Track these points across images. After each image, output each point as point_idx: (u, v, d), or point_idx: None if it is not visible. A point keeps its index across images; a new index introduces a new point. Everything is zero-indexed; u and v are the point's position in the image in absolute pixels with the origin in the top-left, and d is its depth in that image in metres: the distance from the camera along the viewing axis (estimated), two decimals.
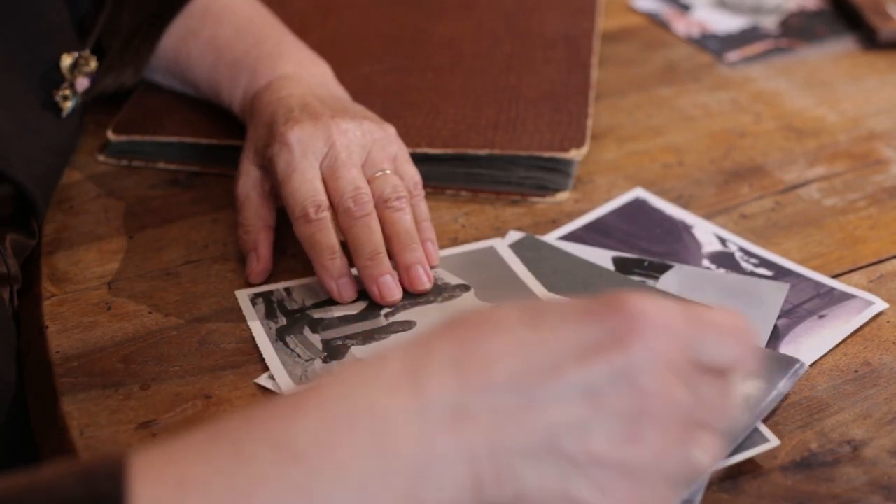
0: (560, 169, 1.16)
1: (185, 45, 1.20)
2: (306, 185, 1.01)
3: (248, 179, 1.07)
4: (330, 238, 1.00)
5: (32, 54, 1.07)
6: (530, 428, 0.67)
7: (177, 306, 1.02)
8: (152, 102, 1.24)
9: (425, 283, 1.01)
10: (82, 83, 1.11)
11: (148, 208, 1.14)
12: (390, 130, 1.08)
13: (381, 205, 1.02)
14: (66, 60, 1.09)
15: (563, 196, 1.16)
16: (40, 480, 0.64)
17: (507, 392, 0.67)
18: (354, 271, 1.01)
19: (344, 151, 1.02)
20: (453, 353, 0.68)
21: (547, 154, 1.15)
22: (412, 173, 1.07)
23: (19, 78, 1.06)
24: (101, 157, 1.21)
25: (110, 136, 1.20)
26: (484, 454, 0.66)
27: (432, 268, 1.03)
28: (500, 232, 1.10)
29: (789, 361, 0.92)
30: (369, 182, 1.03)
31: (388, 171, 1.04)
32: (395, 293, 1.00)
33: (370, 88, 1.25)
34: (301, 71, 1.14)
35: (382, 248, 1.00)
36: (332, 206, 1.01)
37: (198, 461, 0.65)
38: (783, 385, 0.90)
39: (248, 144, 1.09)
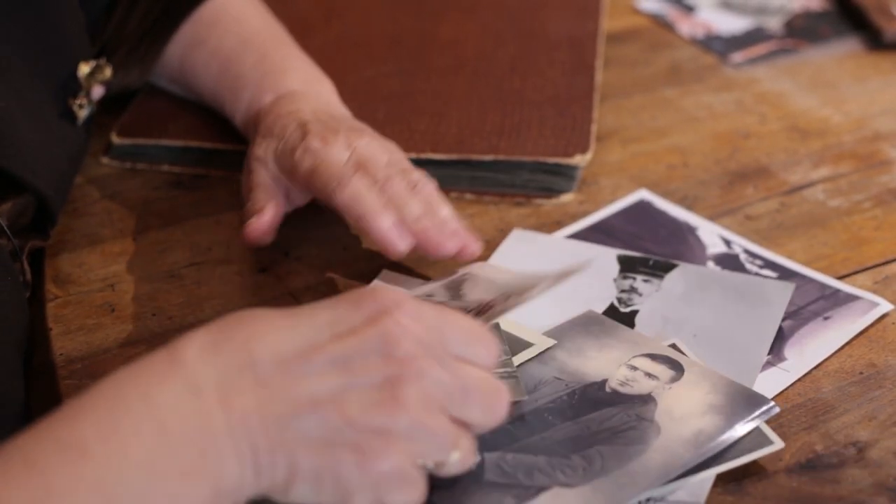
0: (564, 172, 1.16)
1: (190, 53, 1.20)
2: (336, 165, 1.01)
3: (260, 165, 1.07)
4: (374, 194, 0.99)
5: (51, 63, 1.07)
6: (294, 397, 0.72)
7: (180, 308, 1.02)
8: (156, 106, 1.24)
9: (476, 242, 1.00)
10: (98, 91, 1.11)
11: (151, 210, 1.14)
12: (396, 146, 1.07)
13: (412, 188, 1.01)
14: (84, 69, 1.10)
15: (567, 198, 1.16)
16: None
17: (269, 367, 0.72)
18: None
19: (366, 151, 1.02)
20: (213, 337, 0.73)
21: (552, 160, 1.15)
22: (424, 175, 1.06)
23: (39, 87, 1.06)
24: (105, 160, 1.21)
25: (114, 139, 1.20)
26: (256, 426, 0.71)
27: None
28: (505, 234, 1.10)
29: (757, 400, 0.89)
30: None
31: (407, 167, 1.04)
32: (452, 243, 0.99)
33: (374, 92, 1.25)
34: (306, 88, 1.14)
35: (424, 213, 1.00)
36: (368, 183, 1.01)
37: None
38: (741, 427, 0.87)
39: (255, 154, 1.08)
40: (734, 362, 0.95)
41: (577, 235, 1.10)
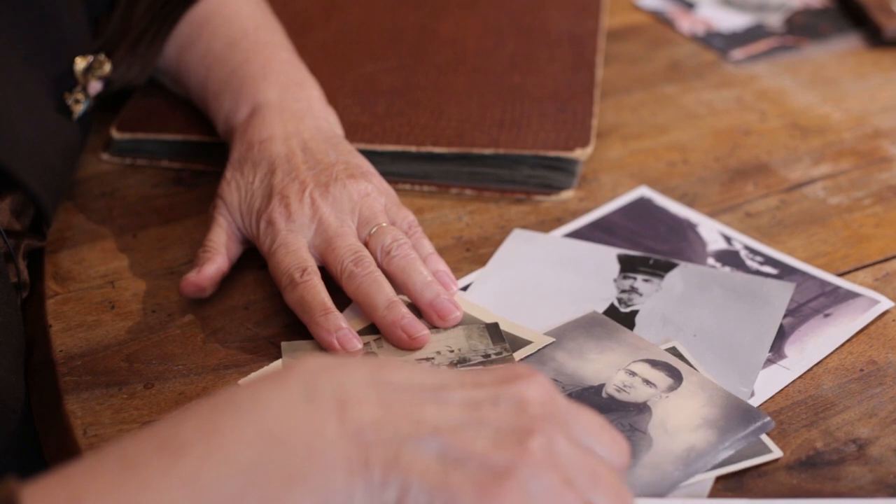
0: (565, 168, 1.16)
1: (184, 55, 1.19)
2: (290, 256, 0.99)
3: (226, 210, 1.05)
4: (319, 296, 0.97)
5: (48, 56, 1.07)
6: (417, 419, 0.69)
7: (180, 305, 1.02)
8: (156, 101, 1.24)
9: (454, 311, 0.99)
10: (95, 87, 1.11)
11: (151, 207, 1.14)
12: (375, 180, 1.06)
13: (385, 258, 1.00)
14: (80, 64, 1.09)
15: (567, 194, 1.16)
16: None
17: (395, 388, 0.70)
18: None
19: (334, 223, 1.01)
20: (341, 359, 0.71)
21: (552, 154, 1.15)
22: (405, 216, 1.05)
23: (35, 80, 1.06)
24: (105, 156, 1.21)
25: (114, 134, 1.20)
26: (372, 439, 0.68)
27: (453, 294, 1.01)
28: (505, 231, 1.10)
29: (754, 416, 0.89)
30: (366, 241, 1.01)
31: (383, 224, 1.02)
32: (422, 328, 0.96)
33: (374, 87, 1.25)
34: (284, 96, 1.11)
35: (396, 296, 0.98)
36: (335, 277, 0.99)
37: (88, 478, 0.65)
38: (736, 443, 0.87)
39: (222, 192, 1.06)
40: (735, 361, 0.95)
41: (578, 232, 1.10)
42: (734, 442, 0.86)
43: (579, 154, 1.15)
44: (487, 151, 1.15)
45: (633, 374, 0.92)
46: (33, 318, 1.02)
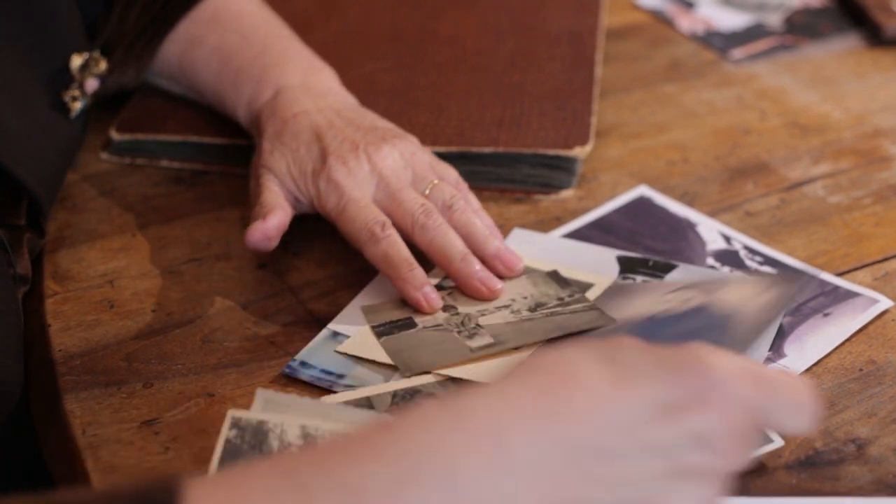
0: (564, 167, 1.16)
1: (190, 51, 1.19)
2: (365, 210, 1.01)
3: (273, 177, 1.06)
4: (404, 251, 1.00)
5: (44, 54, 1.07)
6: (612, 485, 0.67)
7: (180, 304, 1.02)
8: (155, 101, 1.24)
9: (519, 261, 1.02)
10: (91, 84, 1.11)
11: (151, 206, 1.14)
12: (414, 140, 1.08)
13: (447, 212, 1.02)
14: (76, 61, 1.09)
15: (567, 193, 1.16)
16: (91, 499, 0.64)
17: (589, 450, 0.67)
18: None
19: (393, 177, 1.03)
20: (535, 410, 0.67)
21: (551, 152, 1.15)
22: (452, 172, 1.08)
23: (31, 78, 1.06)
24: (104, 156, 1.21)
25: (113, 134, 1.20)
26: None
27: None
28: (504, 230, 1.10)
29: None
30: (426, 198, 1.03)
31: (436, 181, 1.05)
32: (497, 281, 1.00)
33: (374, 87, 1.25)
34: (308, 80, 1.13)
35: (467, 249, 1.01)
36: (405, 230, 1.01)
37: (262, 495, 0.63)
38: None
39: (265, 163, 1.07)
40: None
41: (577, 232, 1.10)
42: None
43: (578, 152, 1.15)
44: (487, 150, 1.15)
45: None
46: (32, 317, 1.02)
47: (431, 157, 1.08)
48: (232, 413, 0.85)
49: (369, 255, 1.00)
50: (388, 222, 1.01)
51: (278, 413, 0.85)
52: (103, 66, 1.11)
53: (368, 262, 1.02)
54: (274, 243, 1.03)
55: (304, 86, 1.12)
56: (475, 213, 1.03)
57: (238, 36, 1.18)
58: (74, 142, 1.13)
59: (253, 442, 0.83)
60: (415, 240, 1.01)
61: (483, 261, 1.01)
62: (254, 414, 0.85)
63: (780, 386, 0.71)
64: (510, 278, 1.02)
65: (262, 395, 0.87)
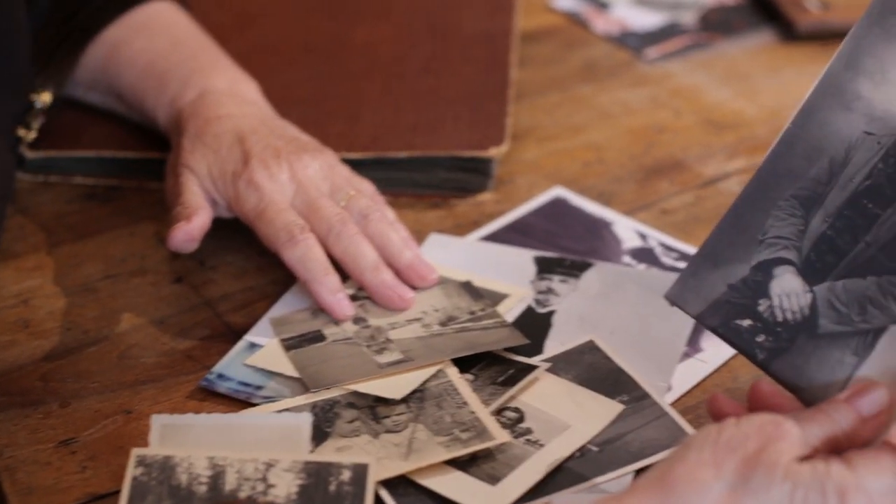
0: (480, 169, 1.16)
1: (115, 53, 1.18)
2: (284, 214, 1.01)
3: (193, 175, 1.05)
4: (321, 255, 1.00)
5: (6, 95, 1.06)
6: None
7: (95, 322, 1.01)
8: (68, 117, 1.22)
9: (433, 272, 1.02)
10: (39, 119, 1.11)
11: (65, 224, 1.13)
12: (334, 155, 1.08)
13: (363, 221, 1.03)
14: (42, 97, 1.09)
15: (483, 197, 1.16)
16: None
17: None
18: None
19: (312, 186, 1.03)
20: None
21: (467, 153, 1.15)
22: (369, 186, 1.08)
23: None
24: (17, 174, 1.19)
25: (27, 154, 1.18)
26: None
27: None
28: (422, 235, 1.10)
29: None
30: (343, 208, 1.03)
31: (353, 193, 1.05)
32: (409, 290, 1.01)
33: (288, 97, 1.24)
34: (234, 87, 1.13)
35: (380, 259, 1.01)
36: (320, 237, 1.01)
37: None
38: None
39: (185, 162, 1.06)
40: (652, 356, 0.96)
41: (494, 235, 1.10)
42: None
43: (494, 153, 1.15)
44: (402, 155, 1.15)
45: None
46: None
47: (349, 171, 1.07)
48: (136, 451, 0.84)
49: (286, 257, 1.00)
50: (307, 226, 1.00)
51: (181, 441, 0.85)
52: (48, 98, 1.11)
53: (285, 273, 1.02)
54: (196, 244, 1.02)
55: (230, 91, 1.12)
56: (390, 225, 1.03)
57: (167, 41, 1.18)
58: (12, 178, 1.12)
59: (161, 478, 0.82)
60: (329, 248, 1.00)
61: (397, 271, 1.01)
62: (159, 450, 0.84)
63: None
64: (424, 288, 1.02)
65: (158, 420, 0.87)
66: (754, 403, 0.80)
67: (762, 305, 0.83)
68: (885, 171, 0.82)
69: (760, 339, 0.83)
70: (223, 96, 1.11)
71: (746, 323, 0.83)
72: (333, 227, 1.01)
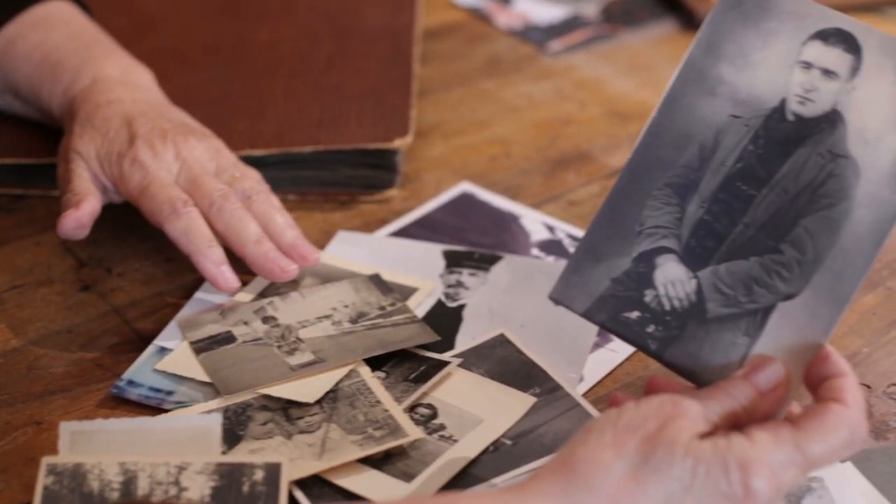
0: (386, 164, 1.16)
1: (12, 48, 1.17)
2: (168, 188, 1.01)
3: (82, 160, 1.05)
4: (204, 228, 1.00)
5: None
6: None
7: (2, 333, 1.00)
8: None
9: (315, 252, 1.02)
10: None
11: None
12: (222, 142, 1.09)
13: (246, 201, 1.03)
14: None
15: (391, 194, 1.16)
16: None
17: None
18: None
19: (196, 164, 1.04)
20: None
21: (371, 146, 1.15)
22: (255, 173, 1.08)
23: None
24: None
25: None
26: None
27: None
28: (330, 235, 1.10)
29: None
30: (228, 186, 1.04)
31: (237, 175, 1.05)
32: (291, 262, 1.01)
33: (192, 98, 1.23)
34: (126, 75, 1.13)
35: (263, 233, 1.01)
36: (202, 212, 1.01)
37: None
38: None
39: (74, 147, 1.06)
40: (563, 348, 0.96)
41: (402, 232, 1.11)
42: None
43: (399, 144, 1.15)
44: (307, 150, 1.15)
45: (808, 66, 0.84)
46: None
47: (237, 158, 1.08)
48: (46, 460, 0.83)
49: (170, 230, 1.00)
50: (191, 200, 1.01)
51: (91, 448, 0.84)
52: None
53: (193, 277, 1.01)
54: (86, 231, 1.02)
55: (122, 79, 1.12)
56: (274, 207, 1.04)
57: (63, 35, 1.17)
58: None
59: (72, 486, 0.82)
60: (212, 222, 1.01)
61: (282, 250, 1.02)
62: (69, 457, 0.83)
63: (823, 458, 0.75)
64: (330, 282, 1.02)
65: (67, 427, 0.86)
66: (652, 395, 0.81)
67: (648, 296, 0.84)
68: (756, 153, 0.84)
69: (650, 329, 0.83)
70: (115, 83, 1.11)
71: (635, 315, 0.84)
72: (215, 201, 1.01)
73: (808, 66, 0.84)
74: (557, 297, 0.87)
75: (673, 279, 0.83)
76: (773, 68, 0.85)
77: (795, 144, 0.83)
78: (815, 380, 0.78)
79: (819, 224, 0.81)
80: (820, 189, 0.81)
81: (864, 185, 0.80)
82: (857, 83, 0.82)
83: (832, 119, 0.82)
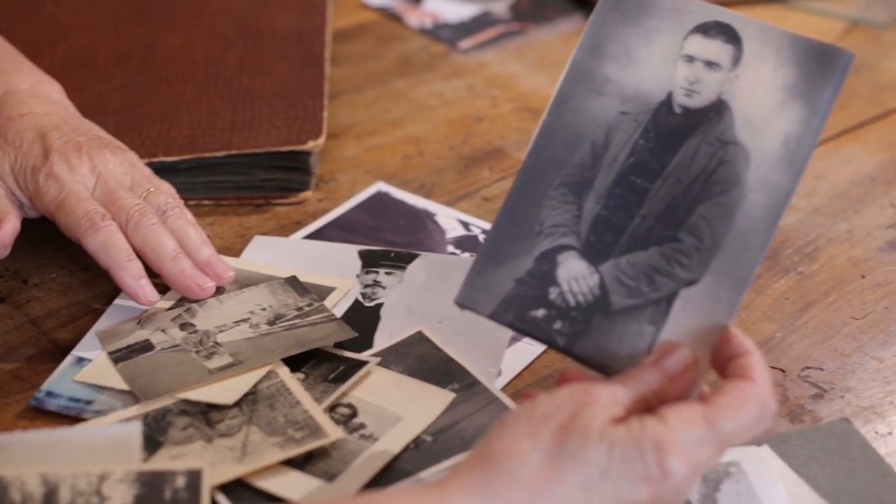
0: (300, 166, 1.16)
1: None
2: (85, 202, 1.01)
3: None
4: (123, 241, 0.99)
5: None
6: None
7: None
8: None
9: (229, 270, 1.02)
10: None
11: None
12: (136, 155, 1.08)
13: (161, 217, 1.02)
14: None
15: (305, 196, 1.16)
16: None
17: None
18: None
19: (112, 178, 1.03)
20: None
21: (285, 148, 1.15)
22: (169, 187, 1.07)
23: None
24: None
25: None
26: None
27: None
28: (246, 239, 1.10)
29: (830, 55, 0.83)
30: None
31: (152, 189, 1.05)
32: (208, 279, 1.01)
33: (102, 106, 1.23)
34: (37, 88, 1.12)
35: (180, 248, 1.01)
36: (119, 227, 1.00)
37: None
38: (826, 100, 0.83)
39: None
40: (481, 343, 0.97)
41: (318, 233, 1.11)
42: (824, 104, 0.83)
43: (312, 146, 1.15)
44: (220, 154, 1.15)
45: (691, 59, 0.86)
46: None
47: (151, 172, 1.08)
48: None
49: (88, 244, 1.00)
50: (108, 214, 1.01)
51: (11, 460, 0.83)
52: None
53: (110, 286, 1.01)
54: (7, 251, 1.01)
55: (33, 92, 1.11)
56: (188, 223, 1.03)
57: None
58: None
59: None
60: (129, 237, 1.00)
61: (197, 267, 1.02)
62: None
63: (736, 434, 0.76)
64: (247, 286, 1.02)
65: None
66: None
67: (553, 293, 0.84)
68: (647, 147, 0.85)
69: (557, 325, 0.84)
70: (26, 96, 1.10)
71: (541, 313, 0.85)
72: (132, 216, 1.01)
73: (690, 59, 0.86)
74: (463, 302, 0.88)
75: (575, 275, 0.84)
76: (658, 64, 0.86)
77: (685, 135, 0.85)
78: (722, 360, 0.80)
79: (714, 210, 0.83)
80: (712, 177, 0.83)
81: (755, 170, 0.83)
82: (740, 72, 0.85)
83: (718, 108, 0.84)
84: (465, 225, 1.12)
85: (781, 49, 0.84)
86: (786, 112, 0.83)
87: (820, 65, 0.83)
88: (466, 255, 1.08)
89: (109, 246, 0.99)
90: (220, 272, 1.02)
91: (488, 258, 0.87)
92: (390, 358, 0.95)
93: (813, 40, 0.84)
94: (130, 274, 0.99)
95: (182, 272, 1.00)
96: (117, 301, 1.02)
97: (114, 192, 1.02)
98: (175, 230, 1.02)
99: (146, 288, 0.99)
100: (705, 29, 0.86)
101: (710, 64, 0.85)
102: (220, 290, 1.02)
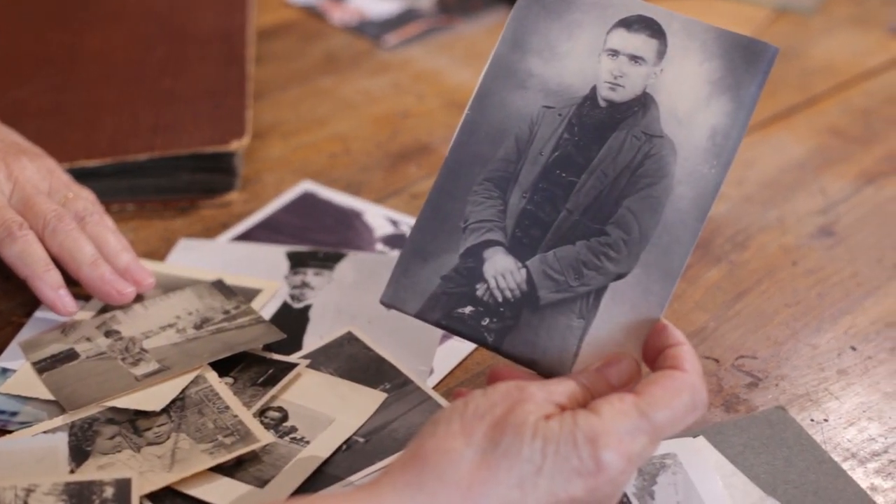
0: (224, 167, 1.15)
1: None
2: (1, 211, 0.99)
3: None
4: (41, 251, 0.98)
5: None
6: None
7: None
8: None
9: (148, 277, 1.00)
10: None
11: None
12: (55, 162, 1.07)
13: (80, 222, 1.01)
14: None
15: (231, 197, 1.15)
16: None
17: None
18: None
19: (29, 185, 1.02)
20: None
21: (209, 150, 1.14)
22: (89, 194, 1.06)
23: None
24: None
25: None
26: None
27: None
28: (171, 243, 1.08)
29: (756, 50, 0.84)
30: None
31: (71, 195, 1.03)
32: (128, 285, 0.99)
33: (23, 111, 1.21)
34: None
35: (98, 254, 0.99)
36: (36, 233, 0.99)
37: None
38: (751, 92, 0.83)
39: None
40: (411, 342, 0.96)
41: (245, 235, 1.10)
42: (751, 97, 0.84)
43: (235, 146, 1.14)
44: (143, 157, 1.13)
45: (615, 53, 0.86)
46: None
47: (70, 178, 1.06)
48: None
49: (4, 254, 0.98)
50: (26, 223, 0.99)
51: None
52: None
53: (31, 296, 0.99)
54: None
55: None
56: (108, 229, 1.02)
57: None
58: None
59: None
60: (46, 244, 0.99)
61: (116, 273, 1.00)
62: None
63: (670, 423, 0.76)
64: (172, 291, 1.01)
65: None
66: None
67: (480, 290, 0.84)
68: (572, 140, 0.85)
69: (486, 322, 0.84)
70: None
71: (468, 310, 0.84)
72: (49, 222, 0.99)
73: (614, 53, 0.86)
74: (388, 301, 0.87)
75: (502, 270, 0.84)
76: (581, 58, 0.86)
77: (610, 129, 0.85)
78: (653, 352, 0.80)
79: (641, 203, 0.82)
80: (639, 170, 0.83)
81: (682, 163, 0.83)
82: (665, 66, 0.85)
83: (644, 102, 0.85)
84: (394, 223, 1.11)
85: (706, 43, 0.84)
86: (712, 105, 0.83)
87: (745, 59, 0.83)
88: (395, 253, 1.07)
89: (27, 255, 0.97)
90: (139, 279, 1.00)
91: (413, 256, 0.86)
92: (320, 359, 0.94)
93: (738, 35, 0.84)
94: (49, 284, 0.97)
95: (101, 277, 0.98)
96: (37, 313, 1.00)
97: (31, 198, 1.01)
98: (94, 236, 1.00)
99: (65, 298, 0.97)
100: (629, 23, 0.86)
101: (635, 58, 0.85)
102: (143, 296, 1.00)
